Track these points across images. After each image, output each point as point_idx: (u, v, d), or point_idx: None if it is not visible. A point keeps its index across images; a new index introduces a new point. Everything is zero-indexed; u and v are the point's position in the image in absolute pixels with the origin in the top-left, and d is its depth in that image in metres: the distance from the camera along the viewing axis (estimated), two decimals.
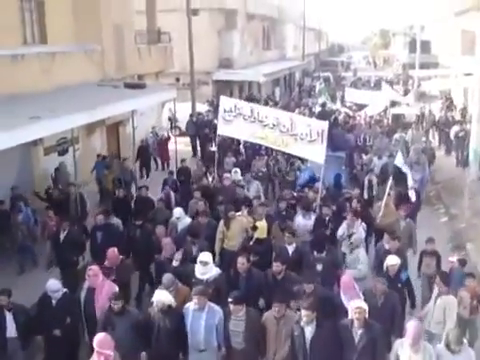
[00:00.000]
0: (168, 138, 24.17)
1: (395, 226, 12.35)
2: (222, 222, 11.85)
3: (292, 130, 13.49)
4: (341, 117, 28.80)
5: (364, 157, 19.93)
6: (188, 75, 27.85)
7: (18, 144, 11.78)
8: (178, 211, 12.66)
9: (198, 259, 9.20)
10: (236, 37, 38.15)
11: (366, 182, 16.40)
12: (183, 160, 18.89)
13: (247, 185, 15.40)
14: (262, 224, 11.75)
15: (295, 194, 14.84)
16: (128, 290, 10.19)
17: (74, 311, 9.06)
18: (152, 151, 22.91)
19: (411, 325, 7.35)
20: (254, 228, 11.54)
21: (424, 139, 27.05)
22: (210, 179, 16.83)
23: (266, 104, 34.92)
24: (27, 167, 16.69)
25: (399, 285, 9.67)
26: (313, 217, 12.61)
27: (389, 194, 13.53)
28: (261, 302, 9.37)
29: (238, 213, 12.06)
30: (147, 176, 21.87)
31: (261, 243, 11.22)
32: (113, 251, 10.07)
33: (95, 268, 9.01)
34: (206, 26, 33.93)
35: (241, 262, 9.25)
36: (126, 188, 17.14)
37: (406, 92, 37.98)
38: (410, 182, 13.89)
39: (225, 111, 14.66)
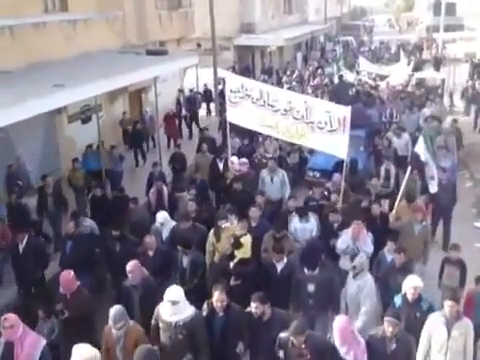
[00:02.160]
0: (176, 114, 22.60)
1: (405, 230, 10.47)
2: (212, 232, 10.01)
3: (308, 117, 11.19)
4: (366, 88, 26.60)
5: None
6: (209, 41, 27.61)
7: (42, 112, 11.84)
8: (162, 215, 10.79)
9: (165, 296, 7.16)
10: (257, 1, 37.57)
11: (382, 172, 14.08)
12: (178, 145, 17.12)
13: (271, 174, 13.10)
14: (246, 240, 9.40)
15: (325, 192, 12.32)
16: (89, 327, 8.00)
17: None
18: (149, 128, 20.67)
19: None
20: (237, 245, 9.16)
21: (449, 104, 26.39)
22: (221, 166, 14.37)
23: (278, 75, 34.03)
24: (51, 135, 16.83)
25: (418, 314, 7.70)
26: (313, 219, 10.63)
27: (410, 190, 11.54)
28: (240, 347, 7.50)
29: (227, 223, 10.05)
30: (144, 160, 19.41)
31: (245, 264, 9.03)
32: (67, 274, 8.15)
33: (11, 317, 6.83)
34: None
35: (219, 299, 7.26)
36: (115, 183, 15.19)
37: (436, 60, 36.78)
38: (432, 172, 11.16)
39: (232, 91, 12.34)
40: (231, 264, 9.02)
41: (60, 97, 12.03)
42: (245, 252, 9.20)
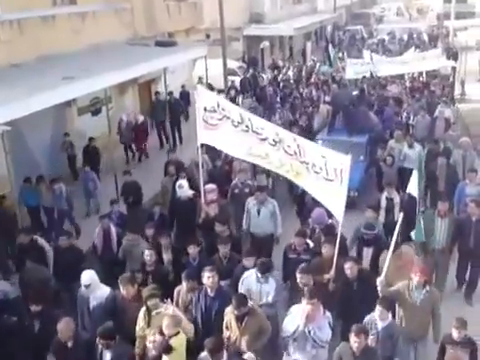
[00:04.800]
0: (145, 123, 18.95)
1: (400, 300, 7.78)
2: (141, 314, 7.51)
3: (301, 155, 9.04)
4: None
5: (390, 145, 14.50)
6: (218, 31, 27.47)
7: (52, 105, 11.82)
8: (87, 276, 7.98)
9: None
10: None
11: (383, 201, 11.23)
12: (127, 171, 13.51)
13: (257, 206, 10.81)
14: (179, 342, 6.83)
15: (309, 243, 9.40)
16: None
17: None
18: (126, 139, 18.47)
19: None
20: (166, 350, 6.68)
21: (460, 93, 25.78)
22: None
23: (275, 70, 31.72)
24: (61, 128, 16.78)
25: None
26: (272, 280, 8.19)
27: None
28: None
29: (163, 306, 7.46)
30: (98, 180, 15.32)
31: None
32: None
33: None
34: None
35: None
36: (57, 225, 12.18)
37: (449, 51, 35.66)
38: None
39: (206, 110, 10.08)
40: None
41: (70, 90, 12.08)
42: (179, 356, 6.85)
